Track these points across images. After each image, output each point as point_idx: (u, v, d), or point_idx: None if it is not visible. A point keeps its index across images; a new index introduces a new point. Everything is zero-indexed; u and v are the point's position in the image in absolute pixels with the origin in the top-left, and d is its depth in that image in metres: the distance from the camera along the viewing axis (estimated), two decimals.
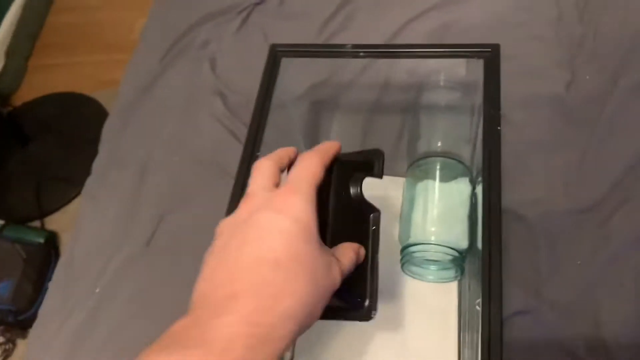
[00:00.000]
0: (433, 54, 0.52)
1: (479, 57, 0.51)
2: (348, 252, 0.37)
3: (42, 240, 1.42)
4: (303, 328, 0.31)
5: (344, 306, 0.39)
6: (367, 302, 0.39)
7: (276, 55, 0.55)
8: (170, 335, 0.29)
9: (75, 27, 1.90)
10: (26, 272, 1.33)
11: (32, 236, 1.42)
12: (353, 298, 0.39)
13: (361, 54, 0.53)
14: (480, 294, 0.43)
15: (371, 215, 0.43)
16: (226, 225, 0.35)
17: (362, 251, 0.39)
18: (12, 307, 1.28)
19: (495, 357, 0.38)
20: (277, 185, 0.37)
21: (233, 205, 0.48)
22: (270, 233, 0.32)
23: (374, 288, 0.40)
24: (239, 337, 0.28)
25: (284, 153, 0.40)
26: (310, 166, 0.37)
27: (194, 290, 0.32)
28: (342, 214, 0.39)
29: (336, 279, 0.35)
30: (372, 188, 0.71)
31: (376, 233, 0.42)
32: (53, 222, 1.51)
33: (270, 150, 0.41)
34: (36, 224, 1.51)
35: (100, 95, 1.68)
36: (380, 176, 0.43)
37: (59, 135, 1.65)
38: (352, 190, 0.42)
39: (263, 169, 0.38)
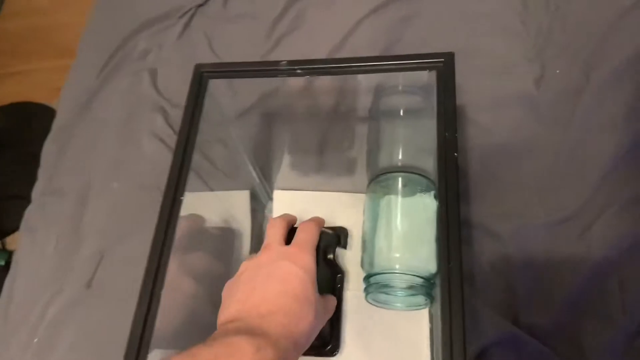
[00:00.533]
0: (378, 68, 0.46)
1: (430, 69, 0.44)
2: (332, 301, 0.51)
3: (2, 263, 1.36)
4: (305, 347, 0.43)
5: (314, 344, 0.48)
6: (332, 344, 0.55)
7: (202, 77, 0.48)
8: (224, 332, 0.39)
9: (24, 33, 1.79)
10: None
11: None
12: (323, 338, 0.55)
13: (298, 71, 0.47)
14: None
15: (338, 275, 0.58)
16: (250, 266, 0.46)
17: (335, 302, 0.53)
18: None
19: None
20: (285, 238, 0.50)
21: (157, 243, 0.42)
22: (289, 276, 0.44)
23: (339, 331, 0.55)
24: (283, 337, 0.39)
25: (290, 217, 0.54)
26: (313, 232, 0.50)
27: (225, 310, 0.43)
28: (322, 272, 0.49)
29: (327, 317, 0.49)
30: (333, 206, 0.66)
31: (341, 290, 0.57)
32: (15, 241, 1.44)
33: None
34: None
35: (57, 104, 1.59)
36: (344, 247, 0.60)
37: (14, 150, 1.56)
38: (328, 256, 0.57)
39: (277, 227, 0.51)
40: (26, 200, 0.80)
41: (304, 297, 0.43)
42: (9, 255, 1.39)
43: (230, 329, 0.39)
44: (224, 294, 0.46)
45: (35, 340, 0.66)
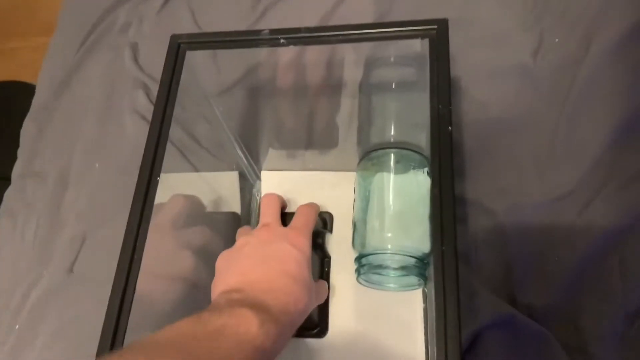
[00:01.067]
0: (367, 36, 0.43)
1: (423, 37, 0.41)
2: (324, 286, 0.54)
3: None
4: (297, 327, 0.44)
5: (304, 326, 0.49)
6: (320, 326, 0.55)
7: (178, 49, 0.45)
8: (229, 301, 0.40)
9: (6, 9, 1.74)
10: None
11: None
12: (312, 321, 0.54)
13: (282, 41, 0.44)
14: None
15: (325, 259, 0.58)
16: (250, 241, 0.47)
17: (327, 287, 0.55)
18: None
19: None
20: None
21: (132, 225, 0.41)
22: (289, 258, 0.45)
23: (326, 314, 0.55)
24: (282, 314, 0.40)
25: (282, 198, 0.57)
26: (311, 217, 0.52)
27: (225, 279, 0.44)
28: (312, 257, 0.50)
29: (319, 301, 0.51)
30: (321, 186, 0.64)
31: (327, 273, 0.57)
32: None
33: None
34: None
35: None
36: (330, 232, 0.59)
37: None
38: (318, 240, 0.58)
39: (273, 203, 0.54)
40: (8, 180, 0.78)
41: (301, 279, 0.45)
42: None
43: (235, 299, 0.40)
44: (220, 264, 0.47)
45: (17, 326, 0.64)
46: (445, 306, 0.34)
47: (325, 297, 0.53)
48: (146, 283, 0.42)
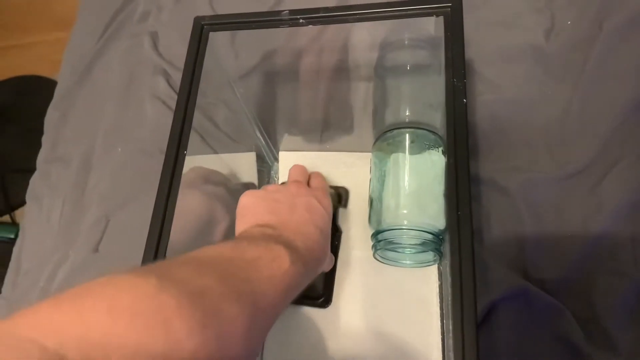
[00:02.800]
0: (383, 15, 0.44)
1: (437, 15, 0.43)
2: (331, 256, 0.52)
3: (12, 236, 1.37)
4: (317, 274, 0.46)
5: (309, 295, 0.55)
6: (324, 296, 0.56)
7: (202, 30, 0.47)
8: (264, 235, 0.42)
9: (23, 5, 1.76)
10: None
11: (1, 232, 1.37)
12: (316, 290, 0.56)
13: (301, 21, 0.45)
14: None
15: (337, 233, 0.59)
16: (280, 189, 0.49)
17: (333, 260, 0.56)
18: None
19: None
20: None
21: (161, 201, 0.42)
22: (318, 211, 0.47)
23: (332, 285, 0.57)
24: (310, 257, 0.42)
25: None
26: (324, 181, 0.56)
27: (256, 214, 0.45)
28: None
29: (327, 267, 0.51)
30: (337, 166, 0.65)
31: (337, 247, 0.59)
32: (23, 215, 1.45)
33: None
34: (5, 218, 1.45)
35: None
36: (345, 206, 0.61)
37: (18, 124, 1.56)
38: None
39: (302, 169, 0.56)
40: (32, 173, 0.80)
41: (325, 233, 0.47)
42: (18, 229, 1.40)
43: (269, 234, 0.42)
44: (246, 200, 0.47)
45: None
46: (461, 274, 0.35)
47: (331, 267, 0.54)
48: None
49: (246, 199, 0.47)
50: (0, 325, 0.25)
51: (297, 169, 0.55)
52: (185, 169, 0.47)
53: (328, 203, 0.50)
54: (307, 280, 0.42)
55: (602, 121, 0.59)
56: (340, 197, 0.60)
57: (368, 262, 0.57)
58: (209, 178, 0.57)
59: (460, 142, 0.38)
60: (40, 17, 1.73)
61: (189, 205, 0.51)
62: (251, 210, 0.46)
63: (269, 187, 0.50)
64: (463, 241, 0.36)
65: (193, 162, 0.50)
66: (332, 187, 0.60)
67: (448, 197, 0.38)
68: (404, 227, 0.52)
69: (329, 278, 0.57)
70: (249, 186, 0.64)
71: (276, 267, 0.37)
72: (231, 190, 0.57)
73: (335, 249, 0.58)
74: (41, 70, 1.63)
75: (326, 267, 0.51)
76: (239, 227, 0.45)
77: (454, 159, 0.38)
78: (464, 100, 0.39)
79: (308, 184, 0.54)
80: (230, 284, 0.32)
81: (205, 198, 0.54)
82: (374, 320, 0.56)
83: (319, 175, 0.56)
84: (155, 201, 0.41)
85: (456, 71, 0.39)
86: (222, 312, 0.30)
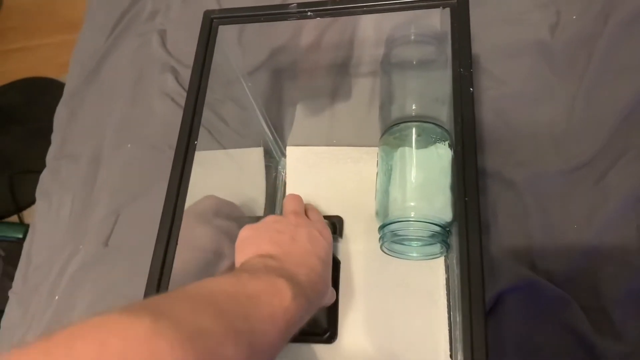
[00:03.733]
0: (391, 6, 0.45)
1: (444, 7, 0.43)
2: (333, 292, 0.51)
3: (20, 235, 1.38)
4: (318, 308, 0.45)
5: (313, 331, 0.53)
6: (330, 331, 0.54)
7: (212, 23, 0.47)
8: (265, 267, 0.41)
9: (30, 8, 1.78)
10: (7, 271, 1.29)
11: (10, 232, 1.37)
12: (320, 326, 0.54)
13: (309, 13, 0.46)
14: None
15: (335, 265, 0.57)
16: (280, 220, 0.49)
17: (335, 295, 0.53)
18: None
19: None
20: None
21: (170, 202, 0.42)
22: (319, 243, 0.47)
23: (336, 319, 0.55)
24: (312, 290, 0.41)
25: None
26: (320, 215, 0.55)
27: (257, 245, 0.44)
28: None
29: (328, 302, 0.50)
30: (344, 161, 0.66)
31: (337, 279, 0.57)
32: (31, 215, 1.46)
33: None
34: (13, 219, 1.46)
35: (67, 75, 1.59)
36: (341, 236, 0.59)
37: (25, 125, 1.57)
38: None
39: (298, 198, 0.54)
40: (39, 173, 0.81)
41: (328, 265, 0.47)
42: (26, 229, 1.41)
43: (271, 265, 0.41)
44: (246, 233, 0.47)
45: (56, 297, 0.67)
46: (469, 263, 0.36)
47: (333, 301, 0.52)
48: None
49: (246, 232, 0.47)
50: None
51: (293, 199, 0.54)
52: (195, 167, 0.47)
53: (329, 234, 0.50)
54: (308, 315, 0.41)
55: (607, 115, 0.60)
56: (335, 227, 0.59)
57: (374, 256, 0.57)
58: (221, 210, 0.56)
59: (468, 130, 0.39)
60: (47, 20, 1.75)
61: (196, 237, 0.51)
62: (252, 241, 0.46)
63: (268, 219, 0.49)
64: (471, 227, 0.36)
65: (201, 157, 0.50)
66: (325, 217, 0.58)
67: (456, 185, 0.39)
68: (411, 219, 0.52)
69: (332, 311, 0.55)
70: (255, 189, 0.64)
71: (277, 303, 0.36)
72: (242, 225, 0.56)
73: (335, 280, 0.57)
74: (47, 72, 1.65)
75: (328, 302, 0.50)
76: (239, 261, 0.44)
77: (461, 146, 0.38)
78: (471, 89, 0.39)
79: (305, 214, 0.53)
80: (228, 322, 0.31)
81: (214, 232, 0.54)
82: (381, 312, 0.56)
83: (314, 208, 0.56)
84: (167, 191, 0.42)
85: (463, 60, 0.40)
86: (218, 356, 0.29)
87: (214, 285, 0.35)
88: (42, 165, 0.81)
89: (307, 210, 0.54)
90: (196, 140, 0.43)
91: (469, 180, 0.38)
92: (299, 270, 0.42)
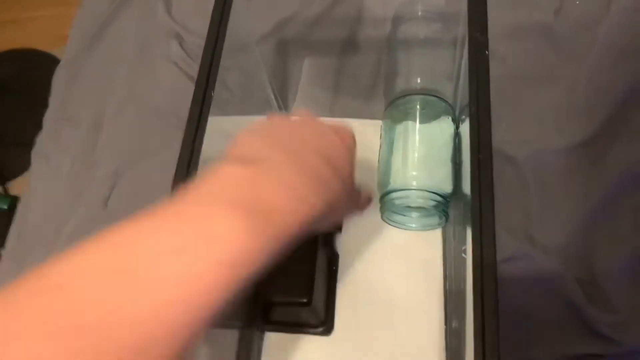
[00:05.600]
0: None
1: None
2: (365, 194, 0.45)
3: (5, 207, 1.37)
4: (319, 221, 0.32)
5: (308, 323, 0.53)
6: (327, 323, 0.54)
7: None
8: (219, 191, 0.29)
9: None
10: None
11: None
12: (317, 318, 0.53)
13: None
14: (466, 241, 0.40)
15: (334, 257, 0.57)
16: (287, 117, 0.39)
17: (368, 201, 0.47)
18: None
19: (491, 316, 0.33)
20: None
21: (182, 166, 0.42)
22: (333, 144, 0.35)
23: (333, 311, 0.54)
24: (288, 211, 0.29)
25: None
26: None
27: (235, 141, 0.33)
28: (321, 253, 0.52)
29: (358, 206, 0.43)
30: None
31: (335, 271, 0.57)
32: (16, 186, 1.45)
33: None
34: None
35: (59, 52, 1.56)
36: (340, 231, 0.58)
37: (15, 97, 1.55)
38: (328, 237, 0.58)
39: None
40: (27, 146, 0.79)
41: (339, 166, 0.34)
42: (11, 199, 1.39)
43: (230, 186, 0.29)
44: (242, 134, 0.35)
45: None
46: (482, 209, 0.36)
47: (364, 208, 0.45)
48: None
49: (242, 133, 0.35)
50: None
51: (304, 110, 0.42)
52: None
53: (352, 143, 0.39)
54: (319, 225, 0.32)
55: (607, 96, 0.61)
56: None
57: (374, 226, 0.58)
58: None
59: (482, 90, 0.40)
60: None
61: None
62: (243, 133, 0.35)
63: (274, 118, 0.38)
64: (483, 182, 0.37)
65: (210, 122, 0.50)
66: None
67: (470, 145, 0.40)
68: (412, 188, 0.53)
69: (328, 303, 0.54)
70: None
71: (214, 254, 0.26)
72: None
73: (333, 274, 0.56)
74: (39, 44, 1.62)
75: (357, 206, 0.42)
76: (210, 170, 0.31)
77: (476, 107, 0.39)
78: (487, 52, 0.40)
79: None
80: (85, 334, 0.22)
81: None
82: (378, 281, 0.57)
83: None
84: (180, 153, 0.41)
85: (479, 25, 0.41)
86: None
87: (87, 261, 0.25)
88: (32, 138, 0.79)
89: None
90: (209, 107, 0.43)
91: (483, 137, 0.39)
92: (291, 177, 0.30)
